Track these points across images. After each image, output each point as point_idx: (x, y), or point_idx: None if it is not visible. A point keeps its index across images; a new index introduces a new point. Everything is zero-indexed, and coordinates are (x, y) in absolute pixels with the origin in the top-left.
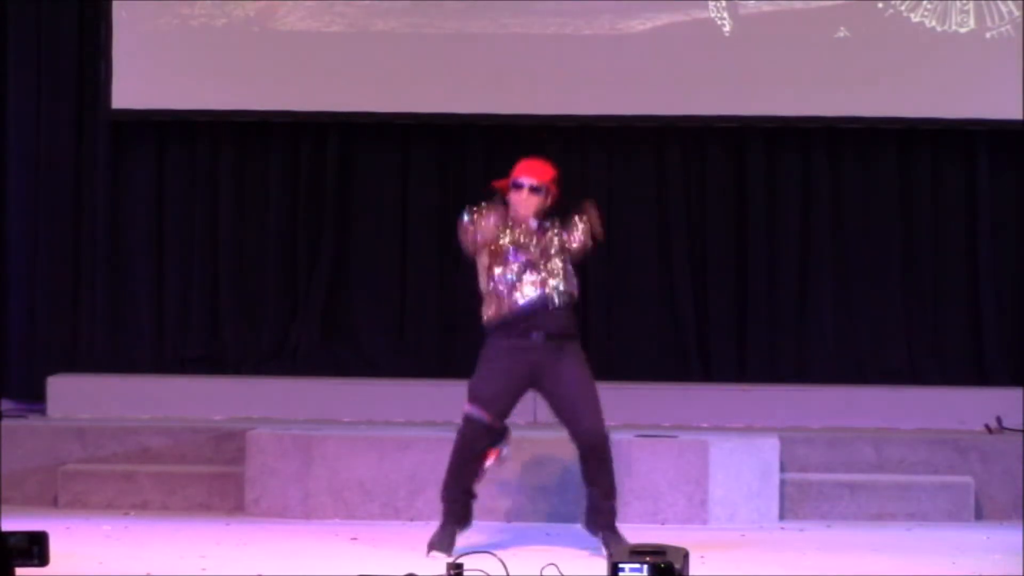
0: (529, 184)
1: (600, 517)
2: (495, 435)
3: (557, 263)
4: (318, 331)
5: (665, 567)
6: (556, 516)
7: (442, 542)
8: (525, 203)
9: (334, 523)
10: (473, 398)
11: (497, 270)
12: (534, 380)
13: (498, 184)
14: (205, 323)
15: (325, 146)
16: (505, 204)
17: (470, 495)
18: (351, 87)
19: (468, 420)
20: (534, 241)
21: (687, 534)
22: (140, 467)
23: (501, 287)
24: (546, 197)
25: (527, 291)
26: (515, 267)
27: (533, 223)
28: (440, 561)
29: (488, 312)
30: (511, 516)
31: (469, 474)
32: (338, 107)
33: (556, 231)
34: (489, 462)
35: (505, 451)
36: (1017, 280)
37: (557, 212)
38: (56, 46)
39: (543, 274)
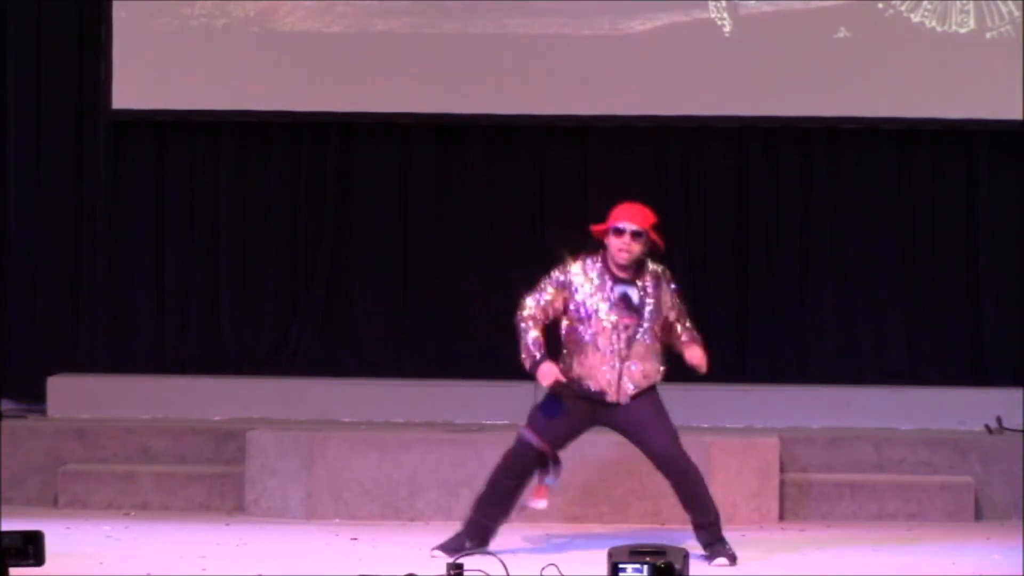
0: (631, 229)
1: (700, 537)
2: (544, 463)
3: (646, 342)
4: (318, 331)
5: (665, 567)
6: (557, 516)
7: (447, 546)
8: (627, 248)
9: (334, 523)
10: (531, 421)
11: (579, 327)
12: (600, 419)
13: (596, 228)
14: (205, 323)
15: (325, 146)
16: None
17: (495, 522)
18: (351, 87)
19: (519, 441)
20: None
21: (687, 534)
22: (140, 467)
23: (578, 350)
24: (647, 244)
25: (602, 372)
26: (590, 343)
27: (628, 290)
28: (440, 560)
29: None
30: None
31: (504, 496)
32: (338, 107)
33: (660, 303)
34: (534, 502)
35: (551, 483)
36: (1017, 280)
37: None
38: (56, 46)
39: (614, 366)
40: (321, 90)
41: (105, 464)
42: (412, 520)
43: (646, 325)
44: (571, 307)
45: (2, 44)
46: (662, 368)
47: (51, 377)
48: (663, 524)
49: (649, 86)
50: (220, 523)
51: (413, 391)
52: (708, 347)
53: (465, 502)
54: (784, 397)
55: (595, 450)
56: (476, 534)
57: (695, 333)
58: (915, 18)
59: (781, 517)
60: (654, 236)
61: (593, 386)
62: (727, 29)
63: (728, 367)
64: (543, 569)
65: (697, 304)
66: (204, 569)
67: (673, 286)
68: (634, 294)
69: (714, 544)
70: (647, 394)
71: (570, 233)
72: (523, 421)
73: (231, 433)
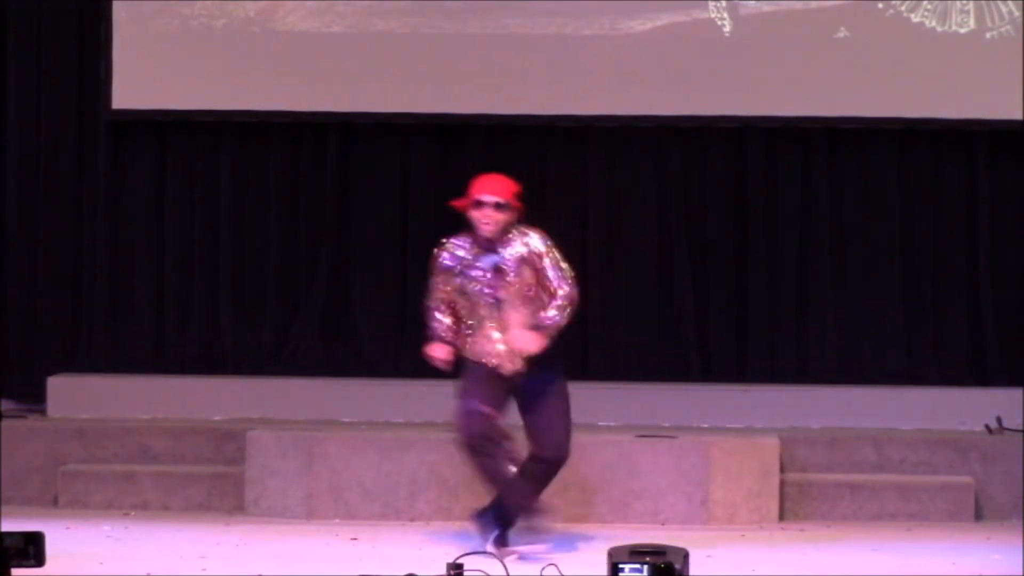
0: (493, 201)
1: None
2: (500, 436)
3: (527, 308)
4: (318, 331)
5: (665, 567)
6: (557, 516)
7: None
8: (491, 219)
9: (334, 523)
10: (463, 395)
11: (466, 305)
12: (514, 390)
13: (457, 203)
14: (205, 323)
15: (325, 146)
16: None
17: (525, 499)
18: (351, 87)
19: (467, 413)
20: (497, 278)
21: (687, 534)
22: (140, 467)
23: (469, 329)
24: (512, 213)
25: (492, 345)
26: (479, 309)
27: (497, 259)
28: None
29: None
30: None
31: (502, 469)
32: (338, 107)
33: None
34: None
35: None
36: (1017, 280)
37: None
38: (56, 46)
39: (507, 328)
40: (321, 90)
41: (105, 464)
42: (412, 520)
43: (521, 291)
44: (456, 288)
45: (2, 44)
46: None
47: (51, 377)
48: (663, 524)
49: (649, 86)
50: (220, 523)
51: (413, 391)
52: (708, 347)
53: (465, 502)
54: (784, 397)
55: (595, 450)
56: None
57: (563, 303)
58: (915, 18)
59: (781, 517)
60: (517, 205)
61: (492, 360)
62: (727, 29)
63: (728, 367)
64: (543, 569)
65: (697, 304)
66: (204, 569)
67: (543, 247)
68: (505, 261)
69: (505, 531)
70: (553, 379)
71: (570, 233)
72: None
73: (231, 433)
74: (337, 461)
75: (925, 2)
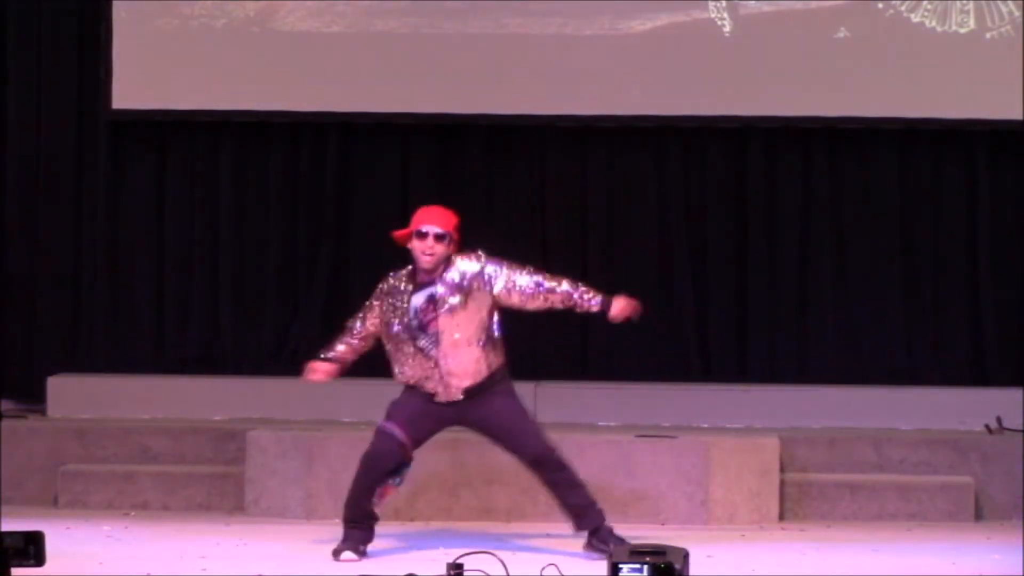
0: (435, 232)
1: (585, 523)
2: (402, 460)
3: (463, 338)
4: (318, 331)
5: (665, 567)
6: (556, 516)
7: (345, 547)
8: (431, 251)
9: (334, 523)
10: (389, 416)
11: (400, 335)
12: (456, 419)
13: (397, 235)
14: (205, 323)
15: (325, 146)
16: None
17: (374, 518)
18: (351, 87)
19: (381, 433)
20: (435, 313)
21: (687, 534)
22: (140, 467)
23: (403, 358)
24: (449, 245)
25: (426, 375)
26: (416, 343)
27: (432, 291)
28: (348, 563)
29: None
30: (511, 516)
31: (370, 495)
32: (338, 107)
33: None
34: (382, 499)
35: (397, 484)
36: (1017, 280)
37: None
38: (56, 46)
39: (441, 358)
40: (321, 90)
41: (105, 464)
42: (412, 520)
43: (454, 321)
44: (388, 319)
45: (2, 44)
46: (496, 360)
47: (51, 377)
48: (663, 524)
49: (649, 86)
50: (220, 523)
51: None
52: (708, 347)
53: (465, 502)
54: (784, 397)
55: (594, 450)
56: (363, 536)
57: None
58: (915, 18)
59: (781, 517)
60: (456, 237)
61: (428, 388)
62: (727, 29)
63: (728, 367)
64: (543, 569)
65: (697, 304)
66: (204, 569)
67: (493, 266)
68: (440, 293)
69: (601, 531)
70: (499, 393)
71: (570, 233)
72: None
73: (231, 433)
74: (337, 461)
75: (925, 2)
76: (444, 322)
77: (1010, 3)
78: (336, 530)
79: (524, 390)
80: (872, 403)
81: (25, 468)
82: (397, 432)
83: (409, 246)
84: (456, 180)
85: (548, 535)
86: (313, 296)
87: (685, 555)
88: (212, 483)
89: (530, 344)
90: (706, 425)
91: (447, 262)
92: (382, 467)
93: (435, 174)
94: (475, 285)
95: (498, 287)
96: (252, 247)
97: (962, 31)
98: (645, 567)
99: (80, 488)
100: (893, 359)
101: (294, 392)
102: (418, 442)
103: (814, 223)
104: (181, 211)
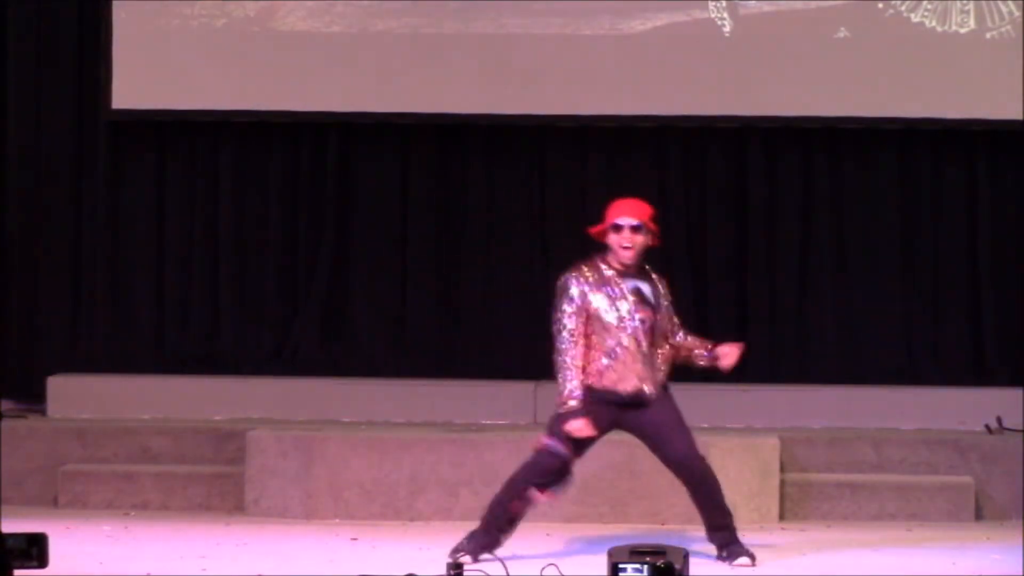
0: (631, 224)
1: (717, 539)
2: (566, 471)
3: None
4: (318, 331)
5: (665, 567)
6: (556, 516)
7: (469, 549)
8: (630, 242)
9: (334, 523)
10: (552, 430)
11: (604, 335)
12: (620, 423)
13: (594, 231)
14: (205, 323)
15: (325, 146)
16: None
17: (512, 524)
18: (351, 87)
19: (548, 453)
20: (637, 310)
21: (687, 534)
22: (140, 467)
23: (606, 357)
24: (647, 235)
25: (634, 372)
26: (617, 346)
27: (638, 284)
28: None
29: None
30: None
31: (522, 501)
32: (338, 107)
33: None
34: (540, 498)
35: (560, 492)
36: (1017, 280)
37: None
38: (56, 46)
39: (645, 362)
40: (321, 90)
41: (105, 464)
42: (412, 520)
43: (658, 318)
44: (592, 319)
45: (2, 44)
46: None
47: (51, 377)
48: (663, 524)
49: (649, 86)
50: (220, 523)
51: (413, 391)
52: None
53: (465, 502)
54: (784, 397)
55: (595, 450)
56: (495, 538)
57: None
58: (915, 18)
59: (781, 517)
60: (653, 227)
61: (628, 389)
62: (727, 29)
63: None
64: (543, 569)
65: (697, 304)
66: (204, 569)
67: (668, 296)
68: (645, 288)
69: (731, 545)
70: (664, 395)
71: (570, 233)
72: (523, 420)
73: (231, 433)
74: (337, 461)
75: (925, 2)
76: (651, 316)
77: (1010, 3)
78: (333, 530)
79: (524, 390)
80: (872, 403)
81: (25, 468)
82: (561, 450)
83: (606, 241)
84: (456, 180)
85: (548, 535)
86: (313, 296)
87: (685, 555)
88: (212, 483)
89: (530, 344)
90: (706, 425)
91: (641, 264)
92: (545, 478)
93: (435, 174)
94: (663, 292)
95: (665, 303)
96: (252, 247)
97: (962, 31)
98: (645, 567)
99: (80, 488)
100: (893, 359)
101: (294, 392)
102: (578, 451)
103: (814, 223)
104: (181, 211)
